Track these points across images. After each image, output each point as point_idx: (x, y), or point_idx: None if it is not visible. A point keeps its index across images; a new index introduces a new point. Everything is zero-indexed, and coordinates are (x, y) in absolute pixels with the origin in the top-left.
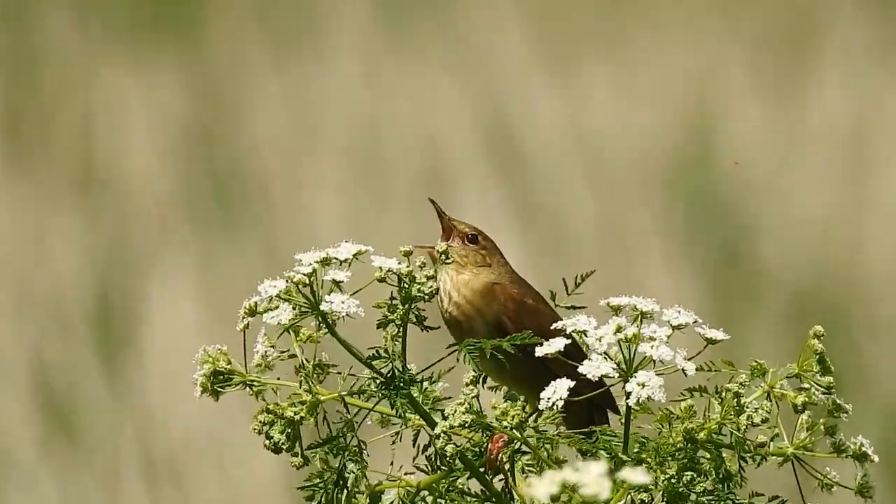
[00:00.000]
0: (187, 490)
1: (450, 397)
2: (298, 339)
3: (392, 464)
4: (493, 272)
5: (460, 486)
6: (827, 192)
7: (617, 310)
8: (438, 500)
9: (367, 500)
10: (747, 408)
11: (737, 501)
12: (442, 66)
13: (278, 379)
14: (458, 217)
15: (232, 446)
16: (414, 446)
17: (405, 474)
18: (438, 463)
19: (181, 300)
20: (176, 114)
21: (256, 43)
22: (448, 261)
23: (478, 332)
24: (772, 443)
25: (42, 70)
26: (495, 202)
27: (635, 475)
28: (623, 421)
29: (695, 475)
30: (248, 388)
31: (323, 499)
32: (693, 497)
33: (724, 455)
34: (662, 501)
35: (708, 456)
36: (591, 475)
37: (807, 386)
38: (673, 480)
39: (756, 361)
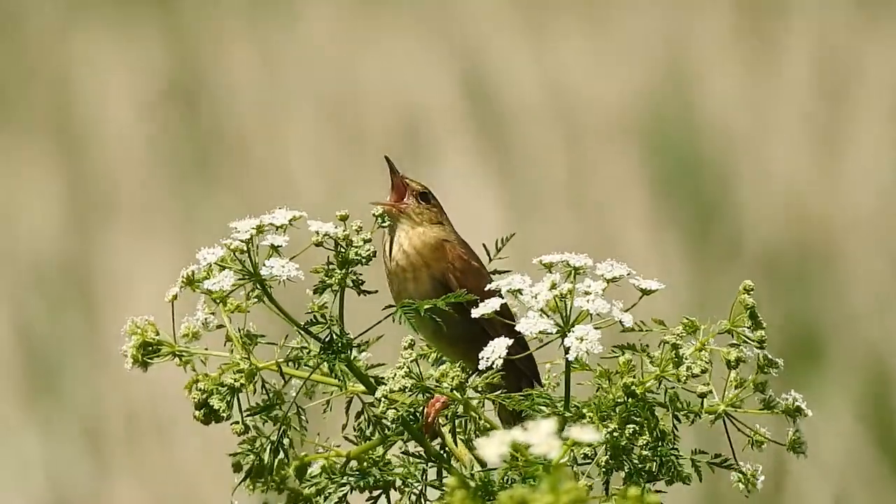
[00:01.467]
0: (169, 444)
1: (383, 364)
2: (227, 308)
3: (318, 434)
4: (443, 229)
5: (394, 455)
6: (804, 145)
7: (550, 267)
8: (370, 468)
9: (295, 471)
10: (686, 359)
11: (679, 456)
12: (418, 23)
13: (206, 349)
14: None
15: None
16: (346, 413)
17: (334, 445)
18: (370, 431)
19: (160, 256)
20: (153, 71)
21: (233, 0)
22: (384, 224)
23: (422, 283)
24: (704, 400)
25: (20, 27)
26: (472, 158)
27: (584, 433)
28: (556, 386)
29: (636, 428)
30: (176, 359)
31: (253, 468)
32: (636, 450)
33: (657, 414)
34: (606, 455)
35: (641, 414)
36: (541, 435)
37: (738, 342)
38: (615, 434)
39: (687, 319)
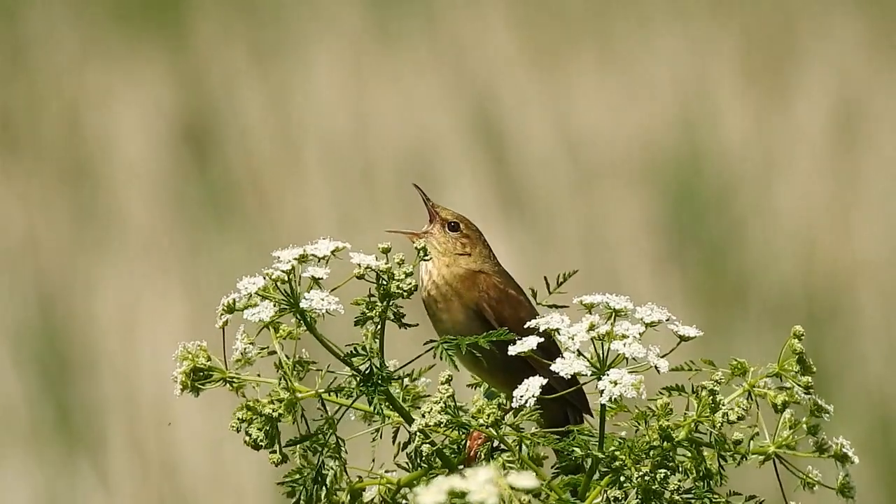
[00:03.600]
0: (177, 479)
1: (430, 395)
2: (278, 335)
3: (374, 460)
4: (473, 261)
5: None
6: (814, 190)
7: (590, 307)
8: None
9: (348, 498)
10: (723, 405)
11: (713, 500)
12: (429, 63)
13: (258, 375)
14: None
15: (225, 441)
16: (394, 443)
17: (386, 472)
18: (418, 460)
19: (169, 293)
20: (164, 108)
21: (244, 37)
22: (426, 258)
23: (455, 314)
24: (752, 442)
25: (31, 63)
26: (482, 199)
27: (522, 480)
28: (598, 419)
29: (668, 473)
30: (228, 385)
31: (303, 496)
32: (667, 495)
33: (704, 454)
34: (637, 498)
35: (688, 454)
36: (478, 482)
37: (788, 385)
38: (647, 478)
39: (736, 360)
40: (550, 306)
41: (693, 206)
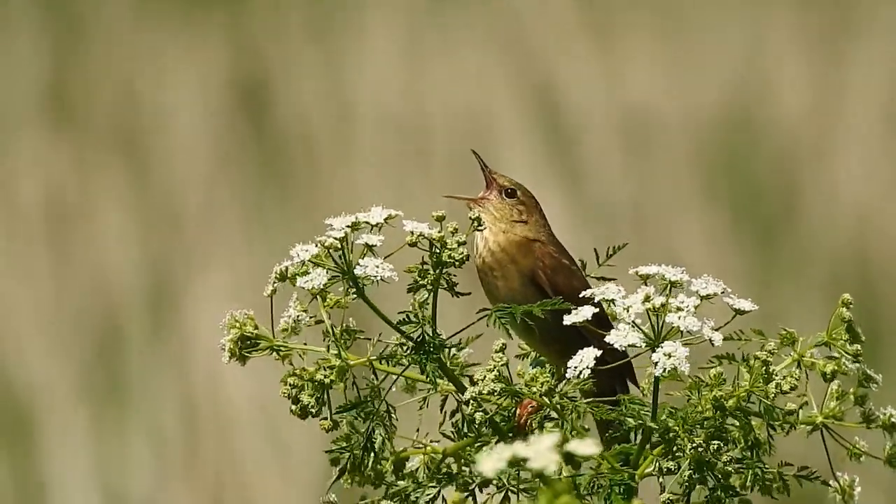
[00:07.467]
0: (230, 447)
1: (477, 363)
2: (326, 304)
3: (418, 430)
4: (529, 229)
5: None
6: (872, 161)
7: (646, 279)
8: (464, 467)
9: (392, 466)
10: (776, 376)
11: (764, 470)
12: (484, 33)
13: (305, 344)
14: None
15: (277, 407)
16: (441, 412)
17: (431, 441)
18: (465, 429)
19: (227, 262)
20: (220, 75)
21: (300, 6)
22: (480, 227)
23: (511, 280)
24: (801, 411)
25: (85, 33)
26: (538, 173)
27: (583, 447)
28: (651, 390)
29: (722, 444)
30: (274, 353)
31: (349, 463)
32: (720, 465)
33: (752, 423)
34: (689, 469)
35: (737, 424)
36: (540, 449)
37: (836, 355)
38: (700, 449)
39: (785, 330)
40: (599, 278)
41: (748, 178)
